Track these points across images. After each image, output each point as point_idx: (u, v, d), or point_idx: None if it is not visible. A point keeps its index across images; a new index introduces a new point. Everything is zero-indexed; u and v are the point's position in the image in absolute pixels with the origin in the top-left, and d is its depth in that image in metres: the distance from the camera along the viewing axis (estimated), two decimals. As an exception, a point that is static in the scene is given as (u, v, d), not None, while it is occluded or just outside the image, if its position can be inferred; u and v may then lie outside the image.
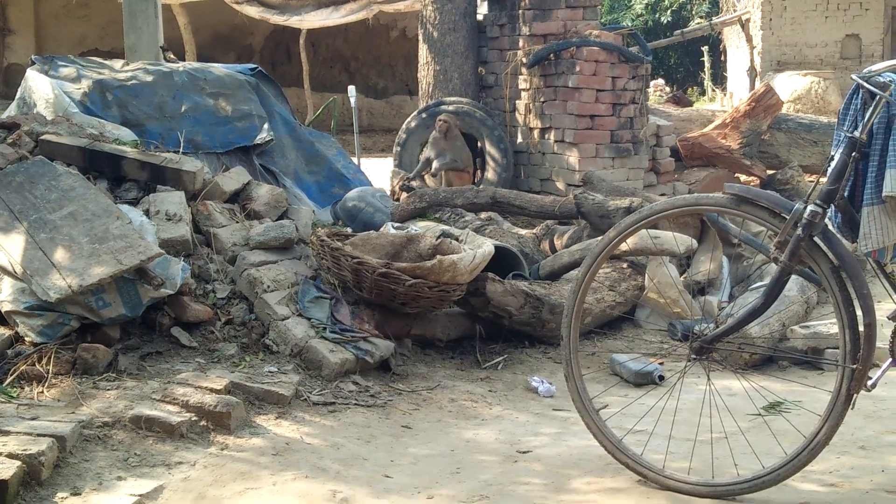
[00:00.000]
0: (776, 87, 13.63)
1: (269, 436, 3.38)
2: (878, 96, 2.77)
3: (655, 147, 7.90)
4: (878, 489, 3.00)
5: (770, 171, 8.07)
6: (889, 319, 3.14)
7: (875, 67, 2.84)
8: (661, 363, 4.45)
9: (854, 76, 2.86)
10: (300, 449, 3.30)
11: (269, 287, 4.33)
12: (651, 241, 5.01)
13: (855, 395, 2.90)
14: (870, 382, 3.01)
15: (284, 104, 6.67)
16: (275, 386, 3.72)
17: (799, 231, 2.87)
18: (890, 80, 2.80)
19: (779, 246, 2.94)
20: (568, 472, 3.21)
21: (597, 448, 3.20)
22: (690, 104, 15.46)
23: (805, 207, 2.87)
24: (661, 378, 4.30)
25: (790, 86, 13.58)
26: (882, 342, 3.16)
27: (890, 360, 3.15)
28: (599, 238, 3.69)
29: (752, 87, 14.62)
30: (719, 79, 22.91)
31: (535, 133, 7.72)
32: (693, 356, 3.12)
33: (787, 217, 2.90)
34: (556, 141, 7.56)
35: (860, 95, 2.86)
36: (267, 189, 5.22)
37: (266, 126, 6.16)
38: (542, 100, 7.62)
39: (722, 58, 22.23)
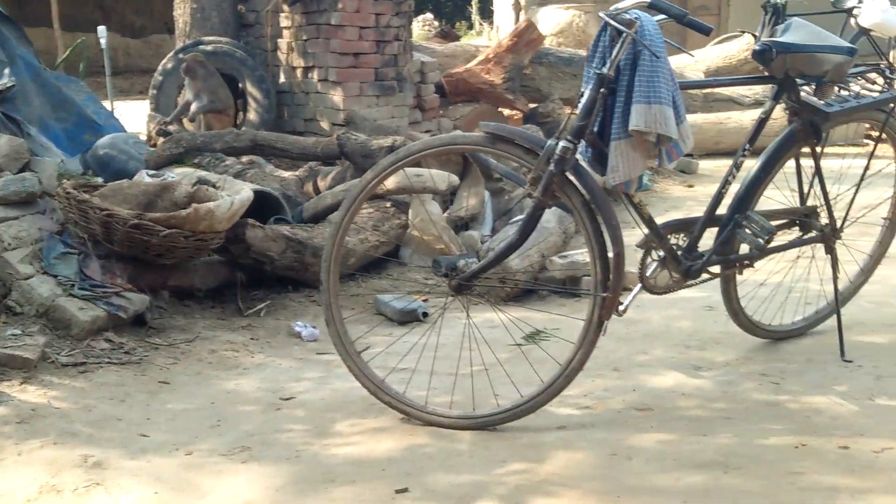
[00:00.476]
0: (540, 21, 14.01)
1: (12, 403, 3.18)
2: (624, 33, 2.88)
3: (420, 84, 7.95)
4: (629, 408, 3.18)
5: (532, 105, 8.31)
6: (637, 248, 3.33)
7: (621, 5, 2.93)
8: (424, 300, 4.52)
9: (601, 13, 2.94)
10: (48, 414, 3.13)
11: (9, 245, 4.05)
12: (413, 180, 5.05)
13: (606, 322, 3.04)
14: (621, 307, 3.18)
15: (28, 46, 6.21)
16: (19, 350, 3.50)
17: (551, 167, 2.95)
18: (636, 17, 2.90)
19: (532, 182, 3.01)
20: (331, 415, 3.21)
21: (360, 390, 3.21)
22: (458, 38, 15.62)
23: (557, 143, 2.95)
24: (425, 315, 4.37)
25: (553, 19, 13.97)
26: (633, 268, 3.35)
27: (640, 285, 3.34)
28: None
29: (517, 21, 14.95)
30: (487, 13, 23.33)
31: (299, 72, 7.58)
32: (452, 293, 3.17)
33: (540, 153, 2.98)
34: (319, 80, 7.45)
35: (608, 32, 2.96)
36: (6, 140, 4.84)
37: (6, 71, 5.74)
38: (304, 38, 7.48)
39: (487, -8, 22.58)
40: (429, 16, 27.48)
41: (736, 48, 9.30)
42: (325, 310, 3.21)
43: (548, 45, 13.07)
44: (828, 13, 9.66)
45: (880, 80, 3.66)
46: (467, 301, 3.37)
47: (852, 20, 9.14)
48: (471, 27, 27.17)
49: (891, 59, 9.43)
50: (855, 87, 3.48)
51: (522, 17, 14.93)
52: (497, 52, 8.16)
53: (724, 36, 10.21)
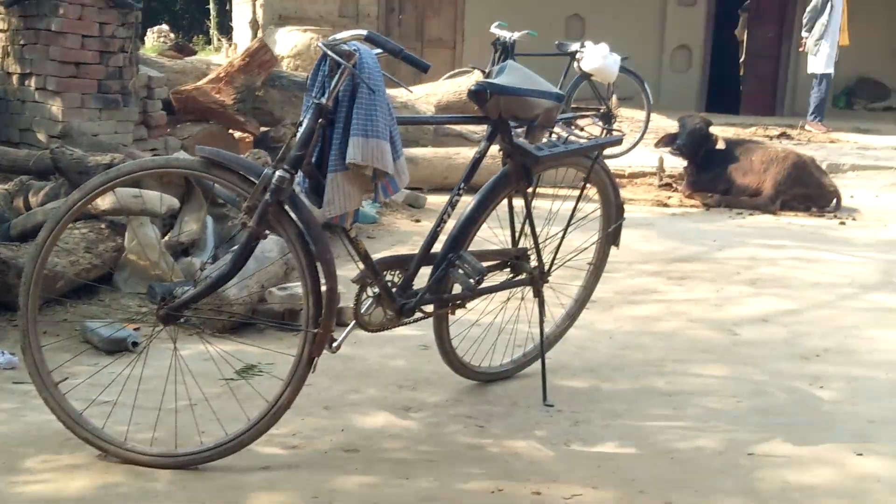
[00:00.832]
0: (277, 41, 13.94)
1: None
2: (342, 66, 2.89)
3: (147, 99, 7.67)
4: (336, 448, 3.17)
5: (264, 128, 8.22)
6: (353, 282, 3.34)
7: (340, 36, 2.95)
8: (136, 329, 4.33)
9: (320, 43, 2.95)
10: None
11: None
12: (129, 201, 4.85)
13: (316, 358, 3.02)
14: (335, 344, 3.17)
15: None
16: None
17: (267, 196, 2.92)
18: (355, 49, 2.93)
19: (248, 211, 2.96)
20: (23, 450, 3.01)
21: (57, 423, 3.03)
22: (194, 53, 15.25)
23: (274, 173, 2.92)
24: (135, 344, 4.18)
25: (290, 41, 13.94)
26: (348, 304, 3.36)
27: (354, 321, 3.35)
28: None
29: (261, 38, 14.79)
30: (226, 28, 22.93)
31: (15, 79, 7.12)
32: (160, 323, 3.06)
33: (257, 182, 2.93)
34: (37, 88, 7.03)
35: (327, 62, 2.96)
36: None
37: None
38: (22, 42, 7.03)
39: (227, 7, 22.22)
40: (164, 27, 26.67)
41: (466, 83, 9.64)
42: (22, 336, 3.02)
43: (285, 67, 13.06)
44: (552, 55, 10.29)
45: (591, 127, 3.88)
46: (175, 331, 3.26)
47: (575, 64, 9.79)
48: (209, 42, 26.62)
49: (611, 104, 10.10)
50: (564, 133, 3.66)
51: (260, 35, 14.80)
52: (228, 72, 8.01)
53: (457, 70, 10.56)
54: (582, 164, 3.78)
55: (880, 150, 12.09)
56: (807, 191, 8.27)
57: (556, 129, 3.59)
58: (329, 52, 2.91)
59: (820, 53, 11.86)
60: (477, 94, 3.33)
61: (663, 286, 5.57)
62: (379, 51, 3.02)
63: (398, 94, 9.22)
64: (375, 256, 3.33)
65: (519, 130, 3.48)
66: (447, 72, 11.59)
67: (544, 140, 3.53)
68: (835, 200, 8.30)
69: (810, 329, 4.86)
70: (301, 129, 2.96)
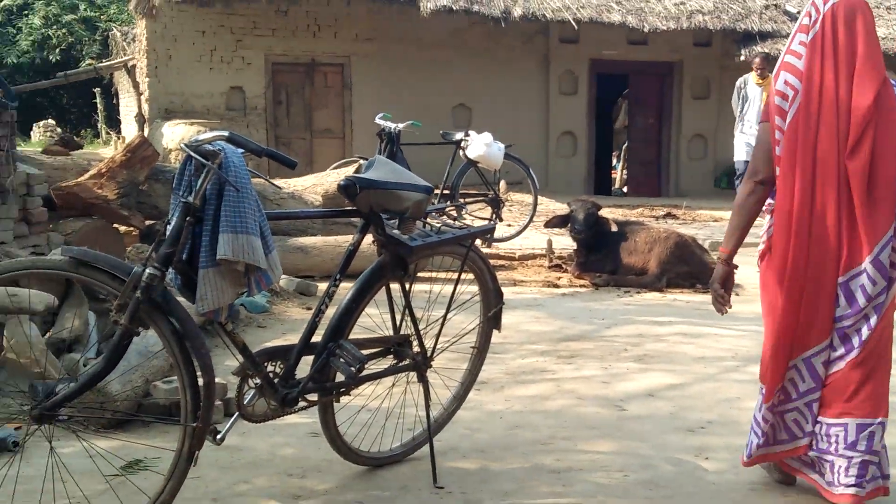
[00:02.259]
0: (165, 135, 13.91)
1: None
2: (207, 167, 2.94)
3: (27, 196, 7.55)
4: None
5: (149, 222, 8.16)
6: (234, 374, 3.34)
7: (203, 136, 3.00)
8: (17, 428, 4.21)
9: (182, 145, 3.00)
10: None
11: None
12: (5, 300, 4.75)
13: (197, 452, 3.00)
14: (219, 436, 3.16)
15: None
16: None
17: (138, 294, 2.92)
18: (220, 149, 2.98)
19: (119, 308, 2.96)
20: None
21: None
22: (80, 147, 15.12)
23: (143, 270, 2.93)
24: (16, 444, 4.07)
25: (177, 134, 13.92)
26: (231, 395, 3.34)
27: (236, 413, 3.35)
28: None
29: (142, 133, 14.73)
30: (116, 122, 22.77)
31: None
32: (35, 423, 3.00)
33: (127, 280, 2.93)
34: None
35: (192, 162, 3.01)
36: None
37: None
38: None
39: (115, 101, 22.11)
40: (51, 122, 26.36)
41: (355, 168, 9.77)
42: None
43: (172, 160, 13.03)
44: (437, 144, 10.50)
45: (481, 212, 3.98)
46: (51, 430, 3.19)
47: (461, 152, 10.02)
48: (97, 135, 26.35)
49: (499, 190, 10.31)
50: (437, 223, 3.76)
51: (147, 129, 14.75)
52: (110, 167, 7.95)
53: (343, 161, 10.68)
54: (457, 252, 3.88)
55: (760, 227, 12.55)
56: (690, 268, 8.55)
57: (431, 219, 3.69)
58: (192, 154, 2.97)
59: (737, 143, 12.22)
60: (346, 188, 3.40)
61: (553, 365, 5.68)
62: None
63: (287, 183, 9.28)
64: (267, 345, 3.36)
65: (392, 222, 3.57)
66: (336, 161, 11.71)
67: (417, 230, 3.62)
68: (718, 276, 8.57)
69: (695, 402, 5.00)
70: (170, 228, 3.00)
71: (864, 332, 3.47)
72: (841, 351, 3.51)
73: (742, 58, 15.85)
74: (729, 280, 3.84)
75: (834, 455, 3.53)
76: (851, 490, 3.47)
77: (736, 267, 3.84)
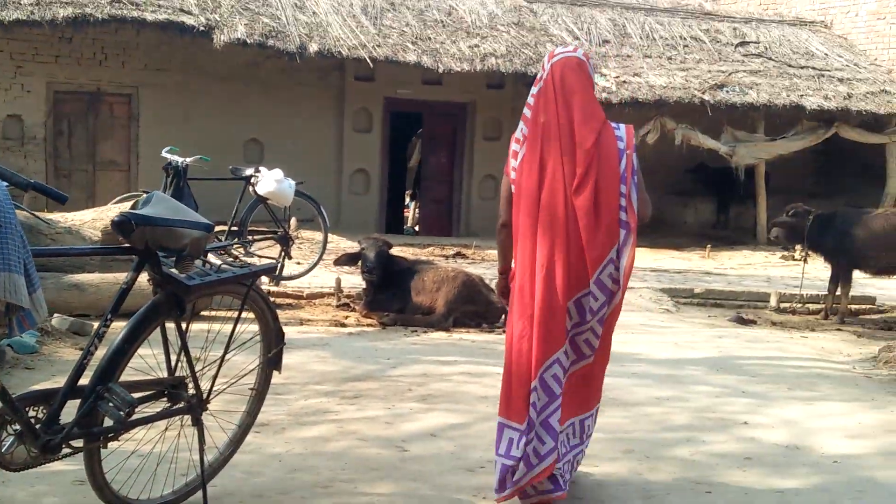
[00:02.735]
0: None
1: None
2: None
3: None
4: None
5: None
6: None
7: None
8: None
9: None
10: None
11: None
12: None
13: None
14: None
15: None
16: None
17: None
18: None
19: None
20: None
21: None
22: None
23: None
24: None
25: (-55, 163, 13.13)
26: None
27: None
28: None
29: None
30: None
31: None
32: None
33: None
34: None
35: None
36: None
37: None
38: None
39: None
40: None
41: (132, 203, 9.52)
42: None
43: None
44: (227, 179, 10.39)
45: (270, 249, 3.96)
46: None
47: (250, 188, 9.92)
48: None
49: (289, 227, 10.26)
50: (217, 262, 3.72)
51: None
52: None
53: (126, 195, 10.38)
54: (237, 292, 3.84)
55: (545, 267, 13.05)
56: (477, 308, 8.77)
57: (210, 257, 3.64)
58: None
59: None
60: (121, 225, 3.30)
61: (336, 406, 5.67)
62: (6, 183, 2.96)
63: (64, 217, 8.91)
64: (34, 387, 3.20)
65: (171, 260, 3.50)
66: (122, 195, 11.36)
67: (196, 269, 3.56)
68: (503, 316, 8.83)
69: (476, 441, 5.11)
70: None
71: (594, 340, 4.00)
72: (573, 358, 4.00)
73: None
74: (506, 288, 4.31)
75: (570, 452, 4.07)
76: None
77: (512, 279, 4.13)
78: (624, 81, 16.98)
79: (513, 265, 4.12)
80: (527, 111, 4.00)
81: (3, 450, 3.17)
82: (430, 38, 16.61)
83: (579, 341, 3.98)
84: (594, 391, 4.16)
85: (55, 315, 7.16)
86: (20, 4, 14.31)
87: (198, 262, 3.62)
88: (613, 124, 3.99)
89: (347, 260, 8.99)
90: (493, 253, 14.16)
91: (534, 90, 4.00)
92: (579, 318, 3.93)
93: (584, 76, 3.98)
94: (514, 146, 4.05)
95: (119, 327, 3.54)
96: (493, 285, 9.75)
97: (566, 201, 3.87)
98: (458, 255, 13.93)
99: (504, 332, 8.25)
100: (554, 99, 3.92)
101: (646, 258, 15.22)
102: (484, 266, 12.47)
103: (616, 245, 3.94)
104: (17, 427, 3.18)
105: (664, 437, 5.39)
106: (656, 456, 5.01)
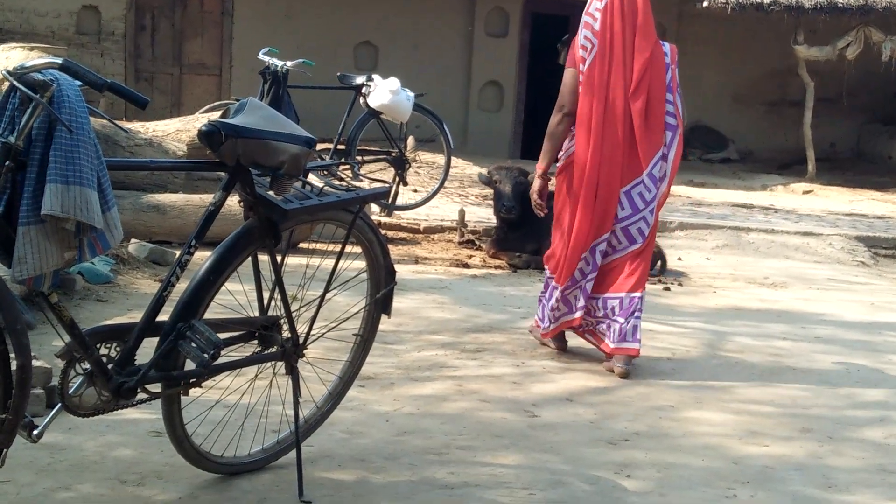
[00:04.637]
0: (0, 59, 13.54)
1: None
2: (34, 100, 2.86)
3: None
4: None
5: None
6: (58, 357, 3.29)
7: (32, 63, 2.92)
8: None
9: (4, 72, 2.92)
10: None
11: None
12: None
13: (6, 450, 2.96)
14: (35, 432, 3.12)
15: None
16: None
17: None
18: (52, 79, 2.91)
19: None
20: None
21: None
22: None
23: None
24: None
25: (13, 61, 13.58)
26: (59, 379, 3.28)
27: (59, 404, 3.30)
28: None
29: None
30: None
31: None
32: None
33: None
34: None
35: (17, 94, 2.93)
36: None
37: None
38: None
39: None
40: None
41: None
42: None
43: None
44: (334, 88, 10.46)
45: (382, 173, 3.98)
46: None
47: (361, 100, 9.96)
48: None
49: (405, 148, 10.29)
50: (319, 183, 3.75)
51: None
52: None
53: (217, 103, 10.57)
54: (341, 220, 3.87)
55: (714, 206, 12.85)
56: (628, 250, 8.68)
57: (312, 178, 3.67)
58: (16, 84, 2.88)
59: None
60: (209, 135, 3.34)
61: (455, 360, 5.72)
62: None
63: (146, 127, 9.15)
64: (108, 322, 3.30)
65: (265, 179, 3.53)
66: (212, 102, 11.58)
67: (294, 191, 3.60)
68: (659, 263, 8.74)
69: (620, 410, 5.10)
70: (-19, 172, 2.92)
71: (645, 228, 5.72)
72: (625, 243, 5.74)
73: (705, 3, 16.21)
74: (544, 190, 6.01)
75: (611, 319, 5.72)
76: (635, 344, 5.66)
77: (549, 180, 6.00)
78: (820, -20, 16.42)
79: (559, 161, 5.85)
80: (591, 21, 5.59)
81: (70, 391, 3.29)
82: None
83: (633, 230, 5.71)
84: (644, 273, 5.80)
85: (132, 241, 7.38)
86: None
87: (297, 183, 3.65)
88: (662, 42, 5.73)
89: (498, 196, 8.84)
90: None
91: (598, 4, 5.58)
92: (632, 209, 5.67)
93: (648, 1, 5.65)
94: (580, 52, 5.60)
95: (204, 256, 3.62)
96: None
97: (625, 103, 5.58)
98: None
99: (659, 280, 8.26)
100: (621, 17, 5.55)
101: (839, 200, 14.83)
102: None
103: (664, 143, 5.69)
104: (87, 366, 3.29)
105: (851, 416, 5.29)
106: (841, 437, 4.93)
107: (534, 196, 6.01)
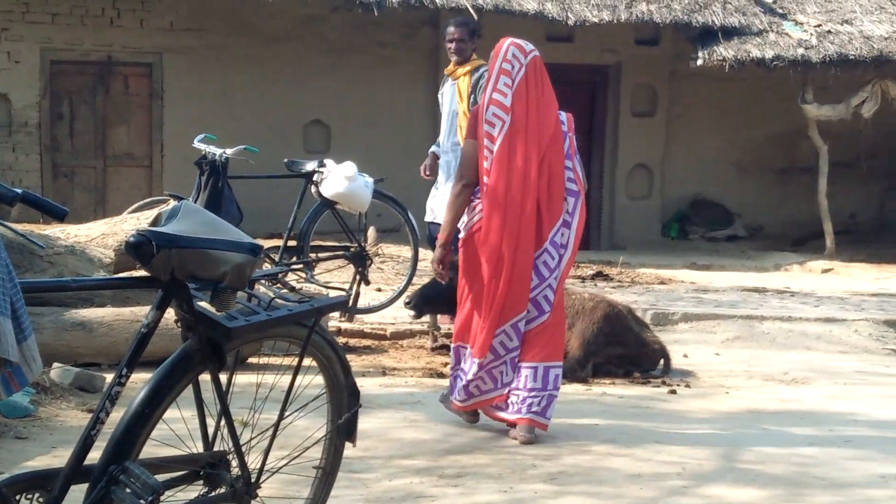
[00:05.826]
0: None
1: None
2: None
3: None
4: None
5: None
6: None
7: None
8: None
9: None
10: None
11: None
12: None
13: None
14: None
15: None
16: None
17: None
18: None
19: None
20: None
21: None
22: None
23: None
24: None
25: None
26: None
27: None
28: None
29: None
30: None
31: None
32: None
33: None
34: None
35: None
36: None
37: None
38: None
39: None
40: None
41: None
42: None
43: None
44: (281, 177, 10.48)
45: (299, 285, 3.98)
46: None
47: (313, 189, 9.96)
48: None
49: (365, 241, 10.26)
50: (269, 294, 3.75)
51: None
52: None
53: (149, 200, 10.60)
54: (295, 335, 3.87)
55: (722, 291, 12.91)
56: (625, 350, 8.70)
57: (258, 288, 3.67)
58: None
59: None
60: (138, 248, 3.32)
61: (433, 488, 5.67)
62: None
63: (66, 232, 9.14)
64: (27, 463, 3.28)
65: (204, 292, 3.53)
66: (140, 199, 11.59)
67: (239, 304, 3.59)
68: (662, 361, 8.75)
69: (626, 538, 5.08)
70: None
71: (550, 295, 6.50)
72: (535, 313, 6.50)
73: (700, 61, 16.34)
74: (446, 259, 6.75)
75: (523, 390, 6.47)
76: (544, 420, 6.52)
77: (451, 249, 6.76)
78: (828, 31, 16.71)
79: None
80: (501, 98, 6.47)
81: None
82: (555, -23, 16.60)
83: (539, 299, 6.49)
84: (558, 344, 6.69)
85: (54, 365, 7.33)
86: (4, -54, 14.61)
87: (241, 295, 3.65)
88: (559, 111, 6.68)
89: (425, 299, 8.25)
90: (647, 273, 14.16)
91: (507, 80, 6.50)
92: (538, 278, 6.47)
93: (545, 71, 6.71)
94: (486, 127, 6.47)
95: (139, 382, 3.60)
96: (647, 318, 9.68)
97: (534, 175, 6.41)
98: (598, 275, 13.86)
99: (664, 382, 8.28)
100: (527, 92, 6.51)
101: (863, 278, 14.93)
102: (634, 291, 12.40)
103: (566, 210, 6.55)
104: (5, 520, 3.26)
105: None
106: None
107: (436, 266, 6.81)
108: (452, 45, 9.28)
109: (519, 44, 6.71)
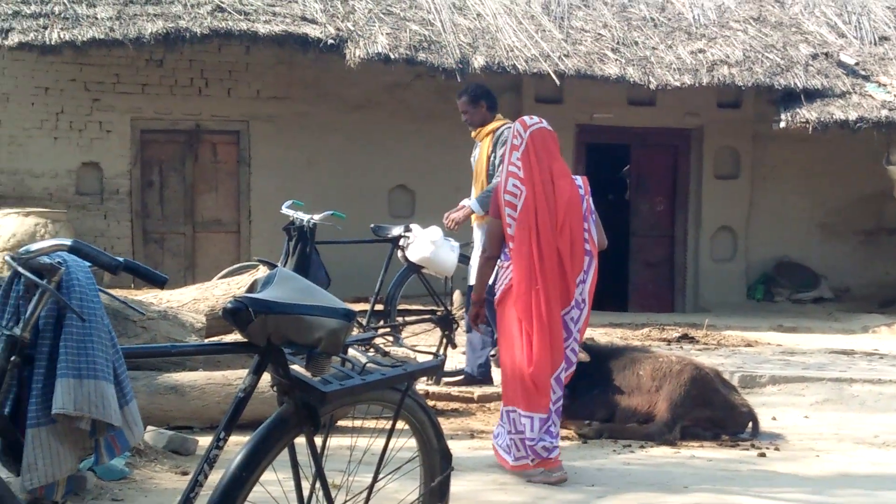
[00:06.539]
0: (-6, 229, 13.84)
1: None
2: (40, 286, 2.92)
3: None
4: None
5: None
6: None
7: (37, 246, 2.99)
8: None
9: (7, 257, 2.98)
10: None
11: None
12: None
13: None
14: None
15: None
16: None
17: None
18: (60, 262, 2.98)
19: None
20: None
21: None
22: None
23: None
24: None
25: (9, 228, 13.88)
26: None
27: None
28: None
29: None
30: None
31: None
32: None
33: None
34: None
35: (22, 281, 2.99)
36: None
37: None
38: None
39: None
40: None
41: (249, 283, 9.75)
42: None
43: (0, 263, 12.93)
44: (367, 242, 10.52)
45: (393, 349, 4.00)
46: None
47: (399, 253, 10.00)
48: None
49: (452, 305, 10.28)
50: (362, 359, 3.78)
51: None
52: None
53: (236, 266, 10.70)
54: (388, 399, 3.90)
55: (809, 354, 12.73)
56: (712, 413, 8.61)
57: (352, 353, 3.70)
58: (20, 269, 2.95)
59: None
60: (235, 314, 3.37)
61: (521, 554, 5.65)
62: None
63: (159, 297, 9.26)
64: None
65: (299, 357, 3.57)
66: (229, 264, 11.71)
67: (333, 369, 3.62)
68: (750, 424, 8.65)
69: None
70: (-16, 370, 2.98)
71: (577, 348, 7.19)
72: (564, 366, 7.03)
73: (783, 123, 16.21)
74: (481, 315, 7.62)
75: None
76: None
77: (482, 307, 7.58)
78: (912, 93, 16.54)
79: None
80: (516, 170, 6.99)
81: None
82: (636, 44, 16.62)
83: (568, 352, 7.07)
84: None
85: (149, 428, 7.40)
86: (96, 20, 14.73)
87: (336, 360, 3.68)
88: (574, 176, 7.30)
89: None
90: (733, 335, 14.00)
91: (518, 154, 7.03)
92: (566, 332, 7.01)
93: (553, 142, 7.24)
94: (508, 197, 6.98)
95: (235, 445, 3.64)
96: (734, 381, 9.58)
97: (554, 238, 6.91)
98: (683, 338, 13.75)
99: (752, 445, 8.18)
100: (538, 162, 7.00)
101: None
102: (721, 354, 12.27)
103: (583, 269, 7.06)
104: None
105: None
106: None
107: (472, 323, 7.73)
108: (462, 116, 9.70)
109: (523, 120, 7.29)
